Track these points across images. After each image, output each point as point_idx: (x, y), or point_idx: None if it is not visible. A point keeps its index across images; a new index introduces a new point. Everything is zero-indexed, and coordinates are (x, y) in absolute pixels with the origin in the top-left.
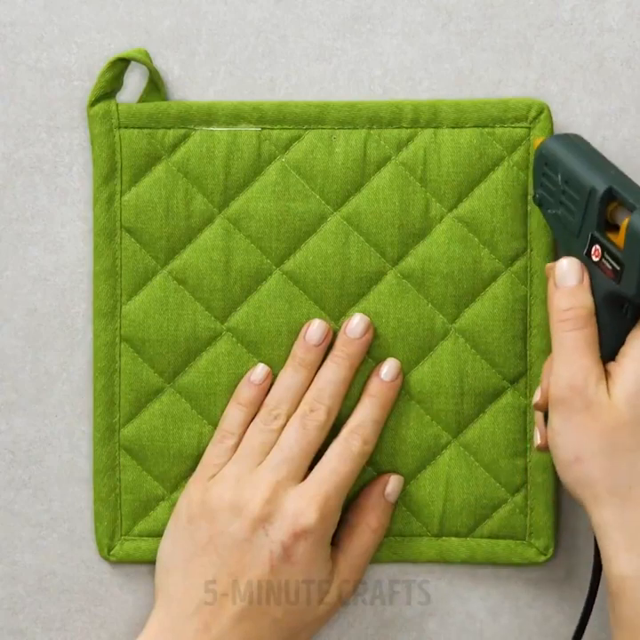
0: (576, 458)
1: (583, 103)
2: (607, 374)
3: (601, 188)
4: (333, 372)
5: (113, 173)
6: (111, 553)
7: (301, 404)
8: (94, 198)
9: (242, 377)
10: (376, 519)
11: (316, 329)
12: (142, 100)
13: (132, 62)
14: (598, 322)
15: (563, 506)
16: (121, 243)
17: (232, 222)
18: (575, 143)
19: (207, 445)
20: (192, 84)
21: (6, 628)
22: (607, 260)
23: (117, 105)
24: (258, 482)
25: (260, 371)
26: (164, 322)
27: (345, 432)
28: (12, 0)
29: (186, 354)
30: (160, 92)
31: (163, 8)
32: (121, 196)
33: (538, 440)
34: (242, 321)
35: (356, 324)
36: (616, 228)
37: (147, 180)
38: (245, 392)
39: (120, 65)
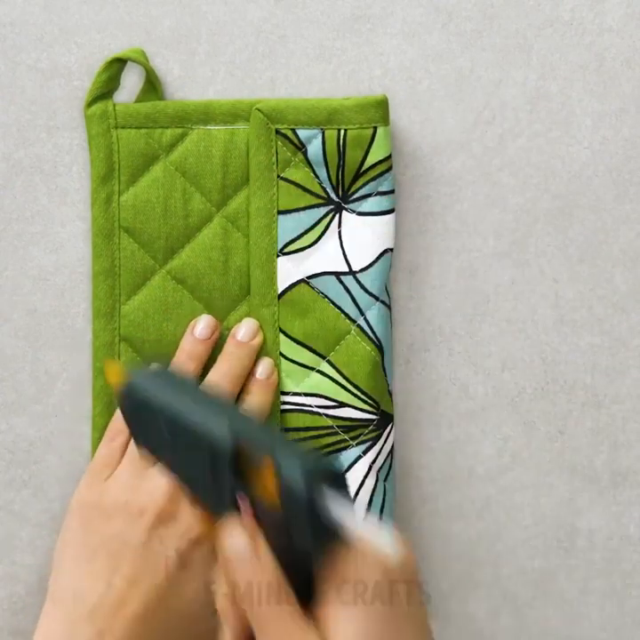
0: None
1: (583, 103)
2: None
3: (224, 441)
4: (224, 368)
5: (111, 173)
6: None
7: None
8: (92, 199)
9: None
10: None
11: (203, 326)
12: (139, 99)
13: (129, 62)
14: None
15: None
16: (119, 243)
17: (230, 221)
18: (163, 379)
19: None
20: (192, 84)
21: (6, 628)
22: (267, 516)
23: (114, 105)
24: (154, 485)
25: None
26: (163, 322)
27: None
28: (12, 0)
29: None
30: (157, 92)
31: (163, 8)
32: (119, 197)
33: None
34: (241, 320)
35: (245, 329)
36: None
37: (144, 180)
38: None
39: (117, 65)
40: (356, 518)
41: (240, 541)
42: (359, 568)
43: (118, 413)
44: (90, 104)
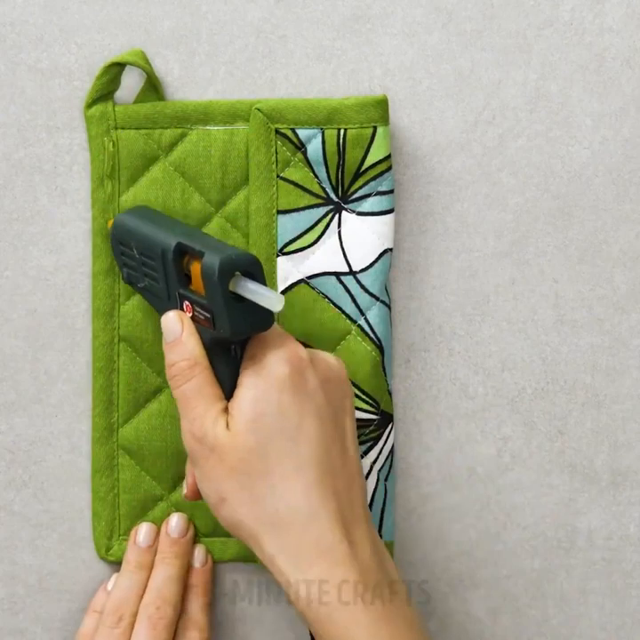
0: (221, 499)
1: (583, 103)
2: (228, 412)
3: (170, 245)
4: (165, 572)
5: (110, 174)
6: (109, 553)
7: (143, 605)
8: (92, 199)
9: None
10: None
11: (145, 533)
12: (139, 100)
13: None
14: (215, 368)
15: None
16: None
17: (229, 221)
18: (142, 213)
19: None
20: (192, 84)
21: (6, 628)
22: (199, 313)
23: (114, 106)
24: None
25: (113, 579)
26: None
27: (179, 629)
28: (12, 0)
29: None
30: (157, 92)
31: (163, 8)
32: (119, 197)
33: (184, 490)
34: None
35: (175, 523)
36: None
37: (144, 180)
38: (102, 599)
39: (116, 67)
40: (261, 293)
41: (169, 326)
42: (266, 353)
43: (83, 622)
44: (90, 105)
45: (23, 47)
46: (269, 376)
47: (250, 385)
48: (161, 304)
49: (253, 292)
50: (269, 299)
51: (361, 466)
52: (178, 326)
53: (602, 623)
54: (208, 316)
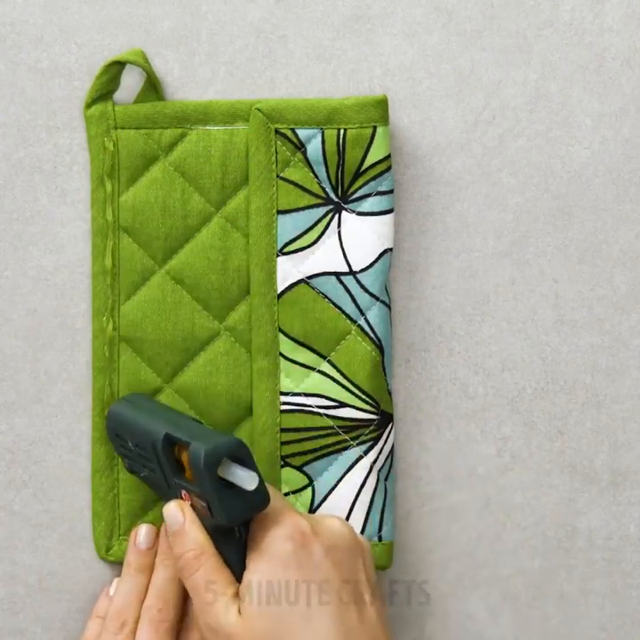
0: None
1: (583, 103)
2: (240, 597)
3: (159, 436)
4: (165, 573)
5: (110, 174)
6: (109, 553)
7: (145, 607)
8: (92, 199)
9: (240, 377)
10: None
11: (144, 534)
12: (139, 100)
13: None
14: (221, 552)
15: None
16: (119, 243)
17: (229, 221)
18: (135, 402)
19: None
20: (192, 84)
21: (6, 628)
22: (196, 501)
23: (114, 106)
24: None
25: (114, 584)
26: (161, 321)
27: (182, 630)
28: (12, 0)
29: (184, 353)
30: (157, 92)
31: (163, 8)
32: (118, 197)
33: None
34: (240, 320)
35: (142, 536)
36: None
37: (144, 181)
38: (104, 605)
39: (116, 67)
40: (251, 479)
41: (171, 516)
42: (268, 533)
43: (87, 628)
44: (89, 105)
45: (23, 47)
46: (273, 557)
47: (255, 569)
48: (162, 492)
49: (234, 474)
50: (242, 478)
51: (384, 621)
52: (179, 516)
53: (602, 623)
54: (204, 504)
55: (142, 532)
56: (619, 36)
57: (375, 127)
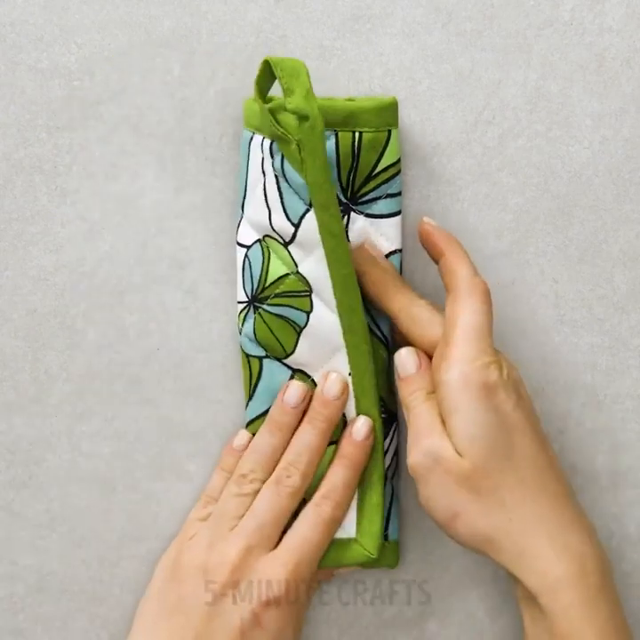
0: (454, 515)
1: (583, 103)
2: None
3: None
4: (310, 435)
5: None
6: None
7: (277, 468)
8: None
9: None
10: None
11: (294, 391)
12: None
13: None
14: None
15: None
16: None
17: None
18: None
19: None
20: (192, 84)
21: (6, 628)
22: None
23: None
24: (228, 547)
25: (241, 437)
26: None
27: (317, 497)
28: (11, 0)
29: None
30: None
31: (163, 8)
32: None
33: None
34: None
35: (332, 382)
36: None
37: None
38: (229, 459)
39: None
40: None
41: (412, 356)
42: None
43: (212, 479)
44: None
45: (23, 47)
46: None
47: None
48: None
49: None
50: None
51: (557, 458)
52: (417, 361)
53: None
54: None
55: (292, 387)
56: (619, 36)
57: (390, 131)
